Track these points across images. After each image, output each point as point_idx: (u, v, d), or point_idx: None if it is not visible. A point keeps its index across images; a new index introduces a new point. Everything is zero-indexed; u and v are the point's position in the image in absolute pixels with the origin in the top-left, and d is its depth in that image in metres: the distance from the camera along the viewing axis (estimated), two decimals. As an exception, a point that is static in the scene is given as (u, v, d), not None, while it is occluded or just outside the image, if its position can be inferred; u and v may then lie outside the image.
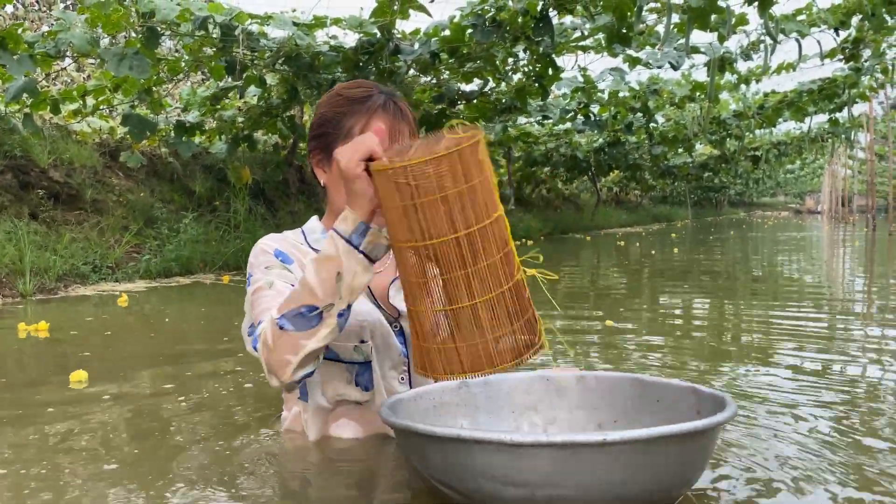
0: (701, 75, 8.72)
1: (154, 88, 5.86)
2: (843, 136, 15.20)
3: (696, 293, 4.66)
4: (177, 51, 6.78)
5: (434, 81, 6.99)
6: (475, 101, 7.40)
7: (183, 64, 5.74)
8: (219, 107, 6.53)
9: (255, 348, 1.29)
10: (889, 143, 15.38)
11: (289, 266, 1.39)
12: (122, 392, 2.07)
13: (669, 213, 22.24)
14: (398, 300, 1.46)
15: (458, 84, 7.06)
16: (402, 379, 1.46)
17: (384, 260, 1.47)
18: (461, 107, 7.67)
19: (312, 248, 1.44)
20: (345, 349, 1.41)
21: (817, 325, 3.18)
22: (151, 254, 5.42)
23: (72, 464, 1.44)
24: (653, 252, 8.89)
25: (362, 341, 1.41)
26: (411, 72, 6.20)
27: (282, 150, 7.86)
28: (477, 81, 7.09)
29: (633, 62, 7.08)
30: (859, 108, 16.16)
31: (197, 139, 6.96)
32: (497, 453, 1.00)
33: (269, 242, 1.42)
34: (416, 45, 5.36)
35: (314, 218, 1.52)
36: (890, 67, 10.21)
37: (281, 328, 1.19)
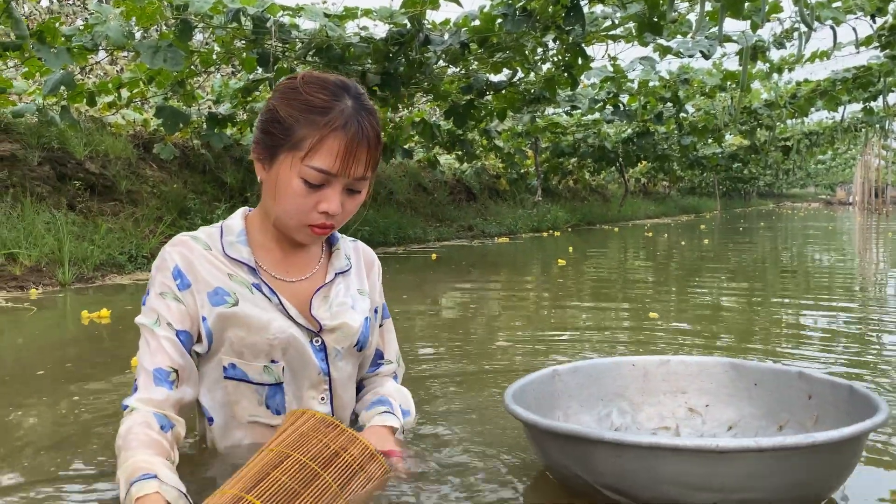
0: (732, 64, 8.63)
1: (187, 81, 5.93)
2: (877, 125, 14.91)
3: (732, 284, 4.62)
4: (207, 43, 6.84)
5: (462, 72, 6.99)
6: (503, 91, 7.37)
7: (215, 56, 5.80)
8: (250, 99, 6.59)
9: (124, 406, 1.22)
10: (925, 133, 15.03)
11: (181, 295, 1.27)
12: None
13: (698, 205, 21.98)
14: (322, 312, 1.35)
15: (487, 74, 7.05)
16: (323, 399, 1.35)
17: (311, 266, 1.39)
18: (489, 97, 7.66)
19: (225, 254, 1.31)
20: (253, 369, 1.30)
21: (849, 315, 3.14)
22: (185, 244, 5.51)
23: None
24: (682, 243, 8.81)
25: (273, 361, 1.30)
26: (440, 62, 6.20)
27: (311, 141, 7.91)
28: (506, 72, 7.07)
29: (664, 51, 7.01)
30: (895, 97, 15.82)
31: (228, 131, 7.03)
32: (695, 460, 1.00)
33: (172, 254, 1.29)
34: (446, 36, 5.36)
35: (240, 212, 1.38)
36: (928, 55, 9.98)
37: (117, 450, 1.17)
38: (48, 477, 1.34)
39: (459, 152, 9.86)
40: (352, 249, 1.47)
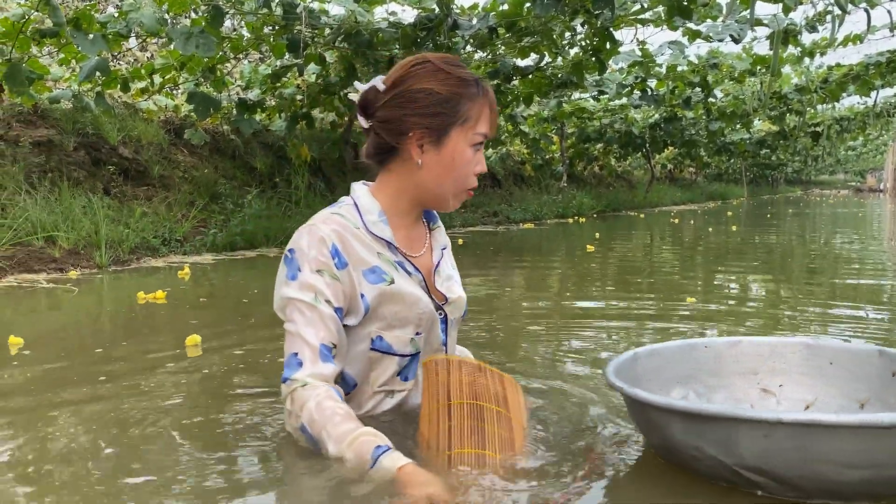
0: (762, 49, 8.52)
1: (217, 67, 6.00)
2: (911, 110, 14.62)
3: (764, 270, 4.60)
4: (234, 30, 6.91)
5: (489, 57, 6.98)
6: (530, 76, 7.36)
7: (245, 42, 5.86)
8: (279, 85, 6.65)
9: (284, 380, 1.26)
10: (960, 118, 14.71)
11: (339, 273, 1.31)
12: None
13: (724, 191, 21.75)
14: (444, 286, 1.45)
15: (514, 59, 7.03)
16: None
17: (423, 243, 1.46)
18: (516, 82, 7.65)
19: (370, 232, 1.36)
20: (401, 342, 1.37)
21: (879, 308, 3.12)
22: (217, 228, 5.59)
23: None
24: (710, 229, 8.76)
25: (417, 333, 1.38)
26: (468, 47, 6.20)
27: (338, 127, 7.96)
28: (533, 56, 7.05)
29: (693, 35, 6.94)
30: (929, 82, 15.48)
31: (258, 117, 7.11)
32: (854, 436, 0.98)
33: (327, 231, 1.31)
34: (475, 20, 5.36)
35: (364, 190, 1.41)
36: (964, 38, 9.77)
37: (300, 429, 1.23)
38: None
39: (485, 138, 9.86)
40: None
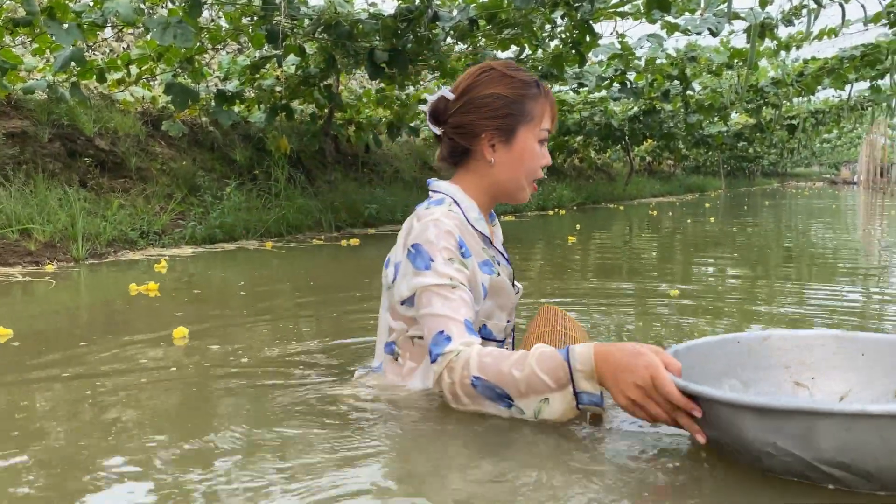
0: (739, 42, 8.60)
1: (195, 57, 5.94)
2: (884, 104, 14.82)
3: (741, 263, 4.66)
4: (213, 20, 6.84)
5: (470, 49, 6.98)
6: (511, 68, 7.38)
7: (223, 33, 5.80)
8: (258, 76, 6.60)
9: (435, 358, 1.33)
10: (932, 111, 14.93)
11: (467, 262, 1.45)
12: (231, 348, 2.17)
13: (702, 184, 21.95)
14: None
15: (494, 51, 7.04)
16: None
17: (495, 237, 1.62)
18: (496, 75, 7.66)
19: (476, 230, 1.51)
20: (499, 329, 1.55)
21: (853, 295, 3.18)
22: (196, 221, 5.55)
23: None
24: (688, 221, 8.84)
25: (508, 321, 1.59)
26: (448, 39, 6.19)
27: (318, 119, 7.93)
28: (513, 48, 7.06)
29: (672, 28, 6.99)
30: (902, 75, 15.70)
31: (236, 108, 7.05)
32: (771, 418, 1.03)
33: (451, 224, 1.44)
34: (455, 12, 5.36)
35: (457, 188, 1.54)
36: (937, 32, 9.92)
37: (473, 385, 1.29)
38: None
39: (465, 130, 9.86)
40: None
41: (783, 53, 9.02)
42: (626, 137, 12.86)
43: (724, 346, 1.43)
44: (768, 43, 8.68)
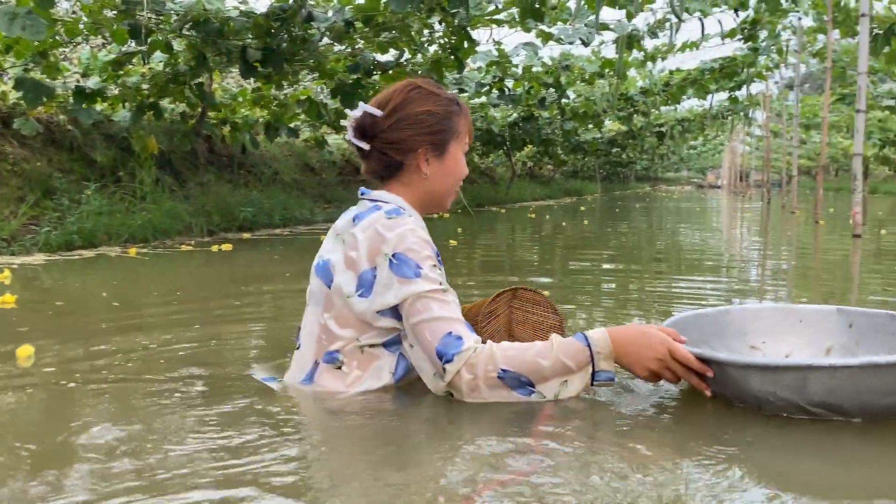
0: (610, 52, 8.99)
1: (50, 51, 5.54)
2: (741, 113, 15.98)
3: (606, 261, 4.84)
4: (74, 12, 6.40)
5: (349, 50, 6.90)
6: (391, 71, 7.35)
7: (82, 26, 5.44)
8: (122, 73, 6.24)
9: (451, 358, 1.40)
10: (783, 121, 16.27)
11: (441, 269, 1.54)
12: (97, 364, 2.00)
13: (580, 188, 22.79)
14: None
15: (374, 54, 7.00)
16: None
17: None
18: (377, 77, 7.61)
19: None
20: None
21: (717, 287, 3.38)
22: (51, 226, 5.17)
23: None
24: (563, 224, 9.14)
25: None
26: (325, 40, 6.09)
27: (190, 119, 7.60)
28: (393, 52, 7.05)
29: (546, 37, 7.20)
30: (757, 87, 16.98)
31: (98, 106, 6.63)
32: (772, 374, 1.36)
33: (424, 234, 1.53)
34: (330, 13, 5.28)
35: (399, 199, 1.60)
36: (784, 48, 10.78)
37: (500, 378, 1.41)
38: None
39: (347, 133, 9.76)
40: None
41: (650, 64, 9.51)
42: (508, 143, 13.15)
43: (697, 319, 1.73)
44: (636, 54, 9.13)
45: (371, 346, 1.53)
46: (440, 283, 1.47)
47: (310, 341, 1.58)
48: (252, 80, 7.34)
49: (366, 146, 1.60)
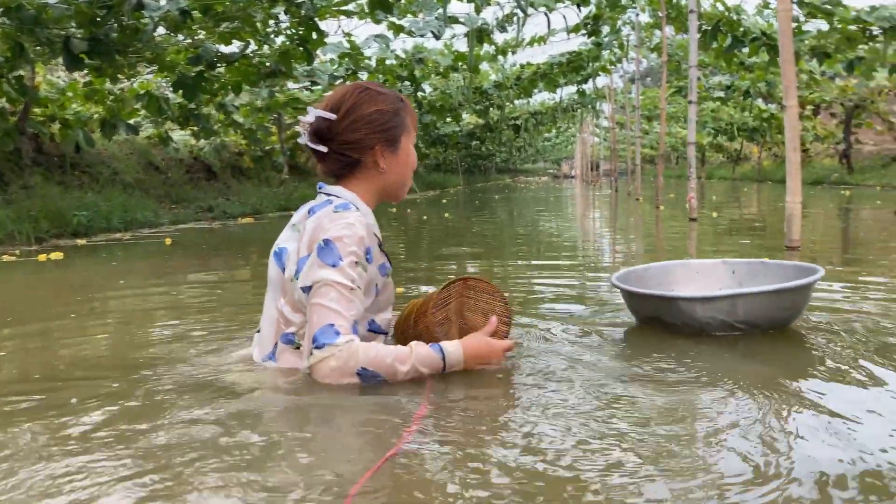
0: (463, 46, 9.08)
1: None
2: (589, 105, 16.76)
3: (470, 247, 4.86)
4: None
5: (189, 41, 6.53)
6: (236, 63, 7.03)
7: None
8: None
9: (322, 345, 1.53)
10: (627, 113, 17.21)
11: (368, 267, 1.64)
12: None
13: (443, 181, 23.04)
14: None
15: (217, 45, 6.66)
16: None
17: None
18: (221, 69, 7.26)
19: (375, 235, 1.69)
20: (385, 322, 1.78)
21: (571, 273, 3.46)
22: None
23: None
24: (424, 217, 9.16)
25: (391, 315, 1.82)
26: (160, 30, 5.71)
27: (11, 116, 6.91)
28: (237, 43, 6.74)
29: (397, 30, 7.16)
30: (602, 81, 17.86)
31: None
32: (792, 293, 1.93)
33: (363, 232, 1.62)
34: (163, 1, 4.94)
35: (353, 195, 1.71)
36: (625, 43, 11.38)
37: (358, 374, 1.54)
38: None
39: (195, 128, 9.27)
40: None
41: (501, 58, 9.74)
42: (366, 136, 13.01)
43: (628, 273, 2.30)
44: (487, 48, 9.31)
45: None
46: (352, 281, 1.58)
47: (269, 324, 1.70)
48: (82, 72, 6.77)
49: (324, 149, 1.69)
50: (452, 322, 1.88)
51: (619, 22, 10.16)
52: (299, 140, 1.76)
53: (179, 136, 10.31)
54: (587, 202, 12.66)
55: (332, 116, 1.67)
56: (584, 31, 9.54)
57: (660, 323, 2.05)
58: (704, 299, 1.94)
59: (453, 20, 7.11)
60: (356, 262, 1.60)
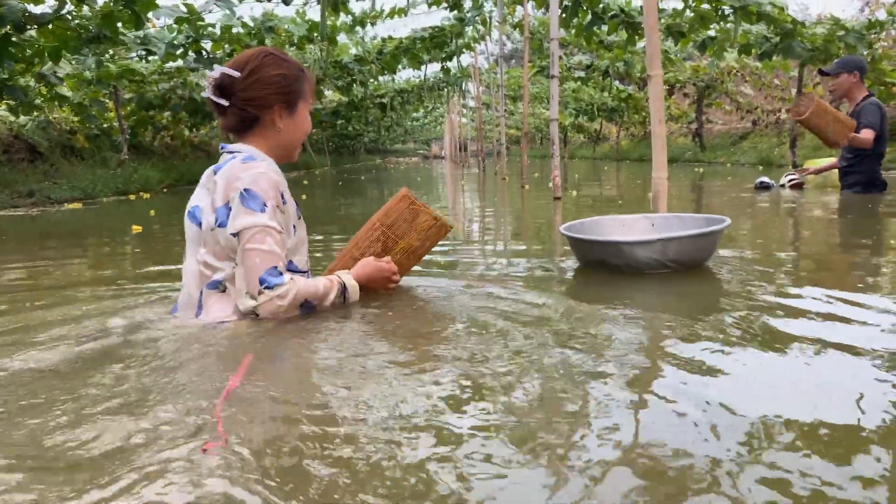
0: (317, 15, 8.48)
1: None
2: (454, 85, 16.52)
3: (336, 231, 4.39)
4: None
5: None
6: (51, 26, 6.11)
7: None
8: None
9: (272, 286, 1.75)
10: (492, 94, 17.16)
11: (286, 208, 1.84)
12: None
13: (307, 161, 22.21)
14: None
15: (25, 4, 5.74)
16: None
17: None
18: (33, 33, 6.30)
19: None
20: (302, 262, 1.95)
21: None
22: None
23: None
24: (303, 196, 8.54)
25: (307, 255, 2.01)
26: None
27: None
28: (50, 3, 5.85)
29: (242, -7, 6.49)
30: (468, 60, 17.70)
31: None
32: (708, 237, 2.42)
33: (275, 177, 1.81)
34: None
35: (254, 149, 1.88)
36: (488, 20, 11.15)
37: (301, 305, 1.82)
38: None
39: (11, 102, 8.13)
40: None
41: (360, 30, 9.21)
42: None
43: (580, 225, 2.76)
44: (345, 18, 8.76)
45: None
46: (278, 223, 1.77)
47: (191, 278, 1.85)
48: None
49: (225, 102, 1.83)
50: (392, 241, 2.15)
51: (481, -3, 9.90)
52: (203, 94, 1.90)
53: (-5, 111, 9.07)
54: (455, 182, 12.44)
55: (237, 74, 1.81)
56: (445, 5, 9.20)
57: (602, 266, 2.46)
58: (643, 243, 2.34)
59: (303, -16, 6.53)
60: (276, 206, 1.79)
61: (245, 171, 1.76)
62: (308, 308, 1.83)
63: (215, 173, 1.82)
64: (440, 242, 2.68)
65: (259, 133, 1.88)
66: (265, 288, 1.73)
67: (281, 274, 1.76)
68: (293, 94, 1.87)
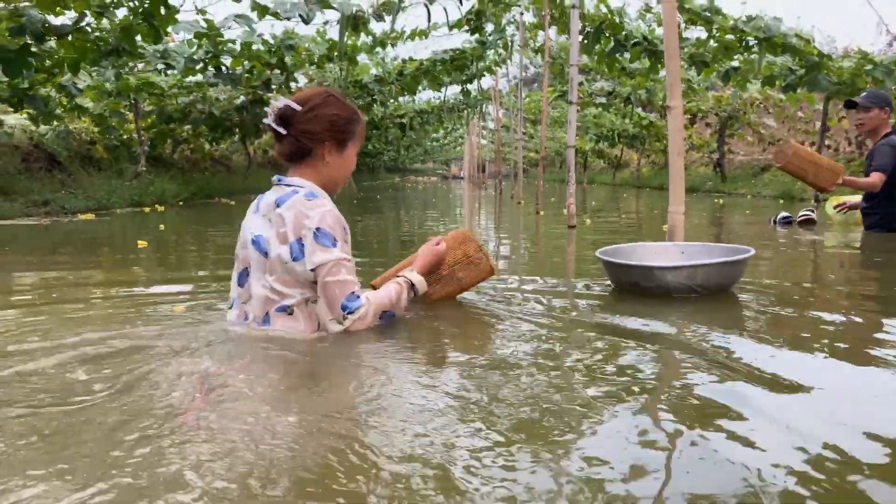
0: (336, 34, 8.47)
1: None
2: (474, 107, 16.50)
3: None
4: None
5: (12, 7, 5.61)
6: (70, 37, 6.13)
7: None
8: None
9: (354, 310, 1.98)
10: (512, 117, 17.11)
11: (347, 238, 2.04)
12: None
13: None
14: None
15: (44, 14, 5.77)
16: None
17: None
18: (53, 44, 6.33)
19: None
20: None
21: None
22: None
23: None
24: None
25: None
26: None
27: None
28: (70, 14, 5.87)
29: (262, 10, 6.49)
30: (488, 83, 17.70)
31: None
32: (735, 265, 2.66)
33: (338, 213, 2.01)
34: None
35: (310, 184, 2.05)
36: (510, 43, 11.11)
37: (380, 318, 2.08)
38: None
39: (32, 111, 8.18)
40: None
41: (380, 50, 9.20)
42: (238, 128, 12.13)
43: (614, 251, 2.97)
44: (366, 39, 8.75)
45: (314, 301, 2.01)
46: (348, 256, 1.99)
47: (259, 300, 2.01)
48: None
49: (283, 131, 2.00)
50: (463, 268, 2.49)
51: (504, 21, 9.86)
52: (264, 120, 2.05)
53: (16, 119, 9.13)
54: (472, 204, 12.34)
55: (298, 108, 1.99)
56: (466, 28, 9.16)
57: (636, 288, 2.67)
58: (674, 268, 2.59)
59: (324, 4, 6.52)
60: (346, 240, 2.01)
61: (311, 209, 1.95)
62: (389, 318, 2.10)
63: (278, 205, 1.98)
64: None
65: (310, 164, 2.05)
66: (347, 314, 1.97)
67: (358, 297, 1.99)
68: (345, 133, 2.05)
